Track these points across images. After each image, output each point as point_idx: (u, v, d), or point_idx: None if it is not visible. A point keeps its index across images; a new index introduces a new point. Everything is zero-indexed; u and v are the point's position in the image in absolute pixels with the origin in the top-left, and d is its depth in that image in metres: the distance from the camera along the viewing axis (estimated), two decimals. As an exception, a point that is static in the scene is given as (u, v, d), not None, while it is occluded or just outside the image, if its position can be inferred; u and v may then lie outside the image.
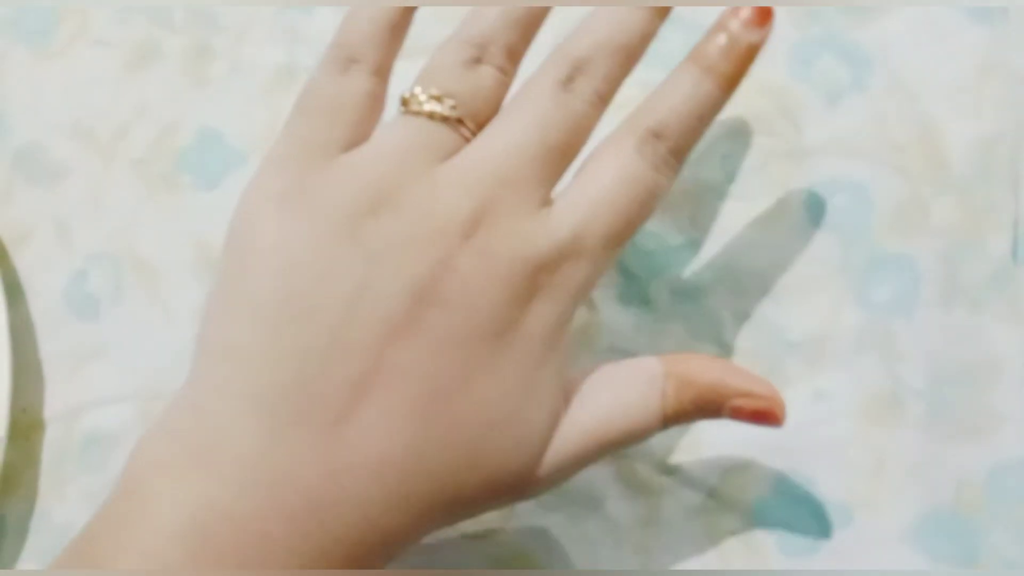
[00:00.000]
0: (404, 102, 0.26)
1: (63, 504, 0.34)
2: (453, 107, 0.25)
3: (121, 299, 0.35)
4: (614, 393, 0.25)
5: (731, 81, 0.26)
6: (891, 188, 0.30)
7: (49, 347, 0.35)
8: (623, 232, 0.25)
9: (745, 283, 0.31)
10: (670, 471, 0.30)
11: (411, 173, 0.24)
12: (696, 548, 0.30)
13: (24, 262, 0.36)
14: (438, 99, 0.25)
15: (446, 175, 0.24)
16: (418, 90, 0.25)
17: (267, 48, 0.36)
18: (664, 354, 0.26)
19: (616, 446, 0.25)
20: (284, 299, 0.23)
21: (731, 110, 0.32)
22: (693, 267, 0.31)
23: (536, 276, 0.24)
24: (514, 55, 0.26)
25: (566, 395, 0.25)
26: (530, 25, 0.26)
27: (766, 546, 0.29)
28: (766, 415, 0.25)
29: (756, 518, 0.29)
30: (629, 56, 0.26)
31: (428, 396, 0.23)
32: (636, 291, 0.31)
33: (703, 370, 0.26)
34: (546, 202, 0.25)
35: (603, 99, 0.26)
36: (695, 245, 0.31)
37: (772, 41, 0.32)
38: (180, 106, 0.36)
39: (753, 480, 0.30)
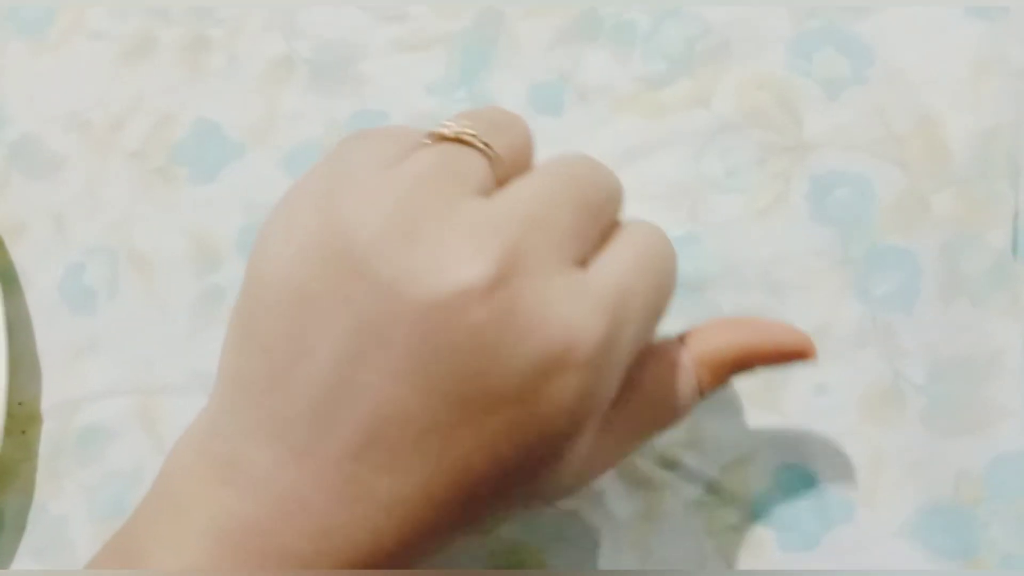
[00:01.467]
0: (433, 135, 0.24)
1: (60, 497, 0.34)
2: (485, 144, 0.24)
3: (118, 292, 0.35)
4: (654, 395, 0.25)
5: None
6: (891, 181, 0.30)
7: (46, 340, 0.35)
8: (662, 299, 0.24)
9: (745, 276, 0.31)
10: (670, 465, 0.30)
11: (436, 201, 0.22)
12: (695, 542, 0.30)
13: (20, 255, 0.36)
14: (471, 133, 0.24)
15: (473, 213, 0.22)
16: (451, 122, 0.24)
17: (265, 39, 0.35)
18: (685, 333, 0.26)
19: (653, 435, 0.26)
20: (290, 334, 0.22)
21: (730, 104, 0.32)
22: (693, 260, 0.31)
23: (567, 352, 0.22)
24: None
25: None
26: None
27: (765, 540, 0.29)
28: (798, 355, 0.25)
29: (756, 512, 0.29)
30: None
31: (441, 447, 0.22)
32: (636, 284, 0.31)
33: (728, 345, 0.25)
34: (580, 257, 0.23)
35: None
36: (695, 238, 0.31)
37: (771, 35, 0.32)
38: (177, 98, 0.36)
39: (753, 474, 0.30)
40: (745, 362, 0.25)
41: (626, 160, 0.32)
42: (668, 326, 0.31)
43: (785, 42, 0.32)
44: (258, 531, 0.22)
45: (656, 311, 0.24)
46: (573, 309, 0.21)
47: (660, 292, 0.24)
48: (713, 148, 0.32)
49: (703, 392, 0.25)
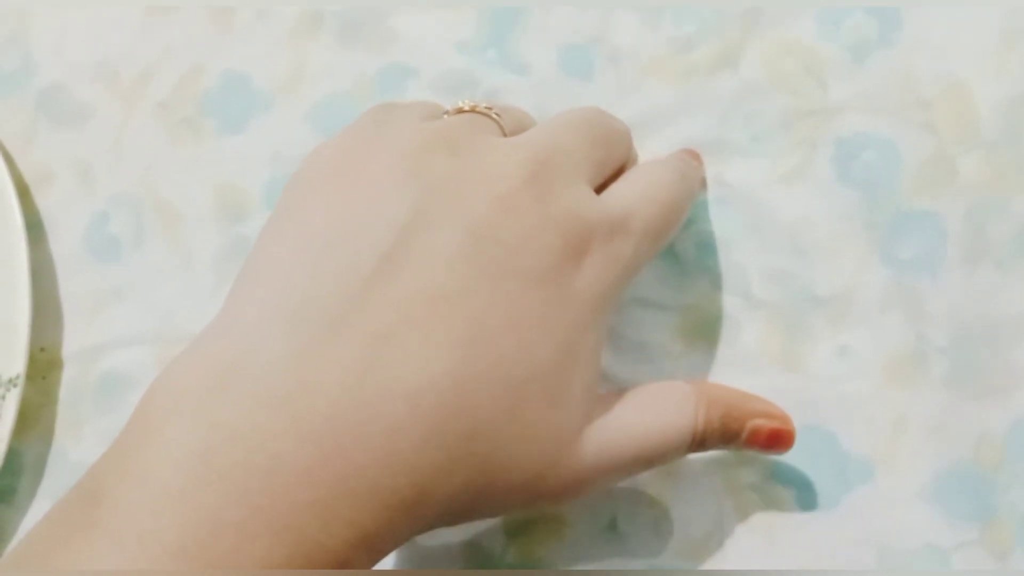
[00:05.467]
0: (451, 110, 0.28)
1: (79, 444, 0.34)
2: (497, 115, 0.28)
3: (142, 242, 0.35)
4: (649, 411, 0.26)
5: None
6: (918, 145, 0.30)
7: (69, 288, 0.35)
8: (664, 227, 0.27)
9: (771, 238, 0.31)
10: (690, 424, 0.30)
11: (470, 134, 0.26)
12: (714, 501, 0.30)
13: (46, 203, 0.36)
14: (486, 107, 0.28)
15: (505, 140, 0.26)
16: (468, 100, 0.28)
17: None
18: (690, 380, 0.28)
19: (647, 464, 0.26)
20: (334, 219, 0.23)
21: (757, 67, 0.32)
22: (719, 221, 0.31)
23: (589, 238, 0.25)
24: None
25: (601, 406, 0.26)
26: None
27: (785, 500, 0.29)
28: (780, 437, 0.28)
29: (775, 472, 0.29)
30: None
31: (475, 330, 0.23)
32: (661, 243, 0.31)
33: (728, 392, 0.28)
34: (594, 184, 0.27)
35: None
36: (721, 201, 0.31)
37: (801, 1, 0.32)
38: (205, 49, 0.36)
39: (773, 434, 0.30)
40: (737, 411, 0.27)
41: (652, 124, 0.32)
42: (696, 287, 0.31)
43: (816, 6, 0.32)
44: (244, 442, 0.20)
45: (657, 235, 0.27)
46: (590, 209, 0.25)
47: (663, 219, 0.27)
48: (737, 113, 0.32)
49: (698, 425, 0.26)
